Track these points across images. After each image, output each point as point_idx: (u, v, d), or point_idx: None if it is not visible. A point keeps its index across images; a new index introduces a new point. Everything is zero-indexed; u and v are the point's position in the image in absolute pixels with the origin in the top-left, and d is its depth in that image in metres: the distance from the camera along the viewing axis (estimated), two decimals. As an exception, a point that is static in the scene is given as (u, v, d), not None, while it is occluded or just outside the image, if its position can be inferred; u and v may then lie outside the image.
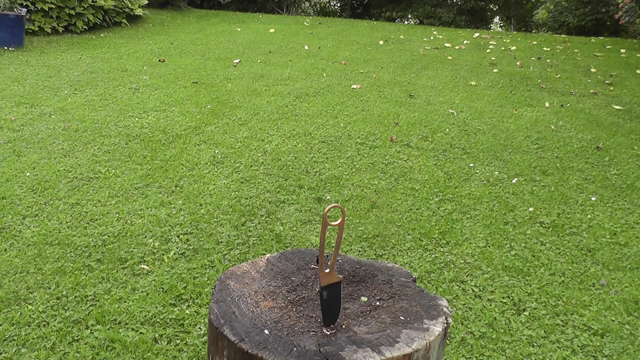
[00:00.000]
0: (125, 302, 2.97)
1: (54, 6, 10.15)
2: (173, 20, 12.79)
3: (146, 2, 12.17)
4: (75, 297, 2.99)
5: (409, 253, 3.63)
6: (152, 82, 7.26)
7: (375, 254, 3.58)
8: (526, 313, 3.12)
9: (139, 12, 11.77)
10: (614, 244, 3.94)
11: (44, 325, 2.77)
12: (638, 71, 9.46)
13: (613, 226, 4.18)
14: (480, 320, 3.02)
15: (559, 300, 3.26)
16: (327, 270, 1.48)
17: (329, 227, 1.30)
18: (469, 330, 2.94)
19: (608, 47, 12.04)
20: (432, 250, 3.69)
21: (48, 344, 2.64)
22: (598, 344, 2.92)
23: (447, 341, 2.81)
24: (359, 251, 3.60)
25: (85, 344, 2.65)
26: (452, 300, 3.17)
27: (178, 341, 2.71)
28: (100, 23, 11.02)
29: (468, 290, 3.29)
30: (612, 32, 15.70)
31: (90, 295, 3.01)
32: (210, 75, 7.80)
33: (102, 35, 10.52)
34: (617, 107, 7.19)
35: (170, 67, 8.19)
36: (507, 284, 3.38)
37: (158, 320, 2.84)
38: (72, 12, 10.31)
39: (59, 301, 2.95)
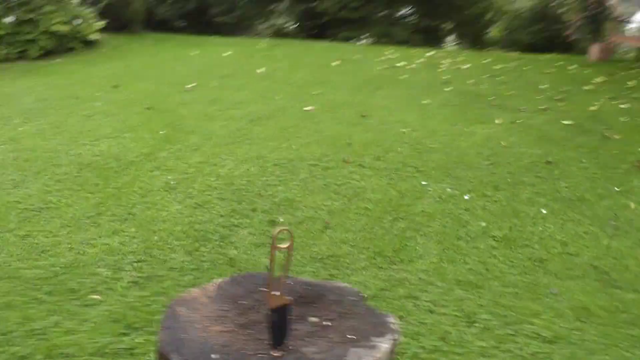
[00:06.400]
0: (74, 334, 2.92)
1: (7, 33, 10.01)
2: (129, 45, 12.73)
3: (103, 25, 12.09)
4: (24, 331, 2.93)
5: (363, 272, 3.66)
6: (106, 109, 7.20)
7: (329, 274, 3.59)
8: (478, 325, 3.16)
9: (94, 36, 11.68)
10: (565, 254, 4.02)
11: (-10, 362, 2.72)
12: (586, 87, 9.67)
13: (564, 237, 4.27)
14: (432, 335, 3.05)
15: (510, 311, 3.31)
16: (277, 293, 1.49)
17: (280, 249, 1.32)
18: (421, 345, 2.96)
19: (558, 63, 12.28)
20: (386, 268, 3.72)
21: (-5, 380, 2.59)
22: (548, 350, 2.98)
23: (398, 357, 2.83)
24: (313, 272, 3.62)
25: (34, 377, 2.61)
26: (405, 316, 3.19)
27: (129, 370, 2.68)
28: (55, 49, 10.89)
29: (421, 305, 3.32)
30: (563, 49, 16.02)
31: (38, 329, 2.95)
32: (164, 100, 7.77)
33: (56, 61, 10.43)
34: (567, 122, 7.33)
35: (124, 92, 8.15)
36: (461, 297, 3.42)
37: (107, 350, 2.80)
38: (26, 37, 10.18)
39: (5, 337, 2.88)
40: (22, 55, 10.40)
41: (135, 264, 3.62)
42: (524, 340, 3.05)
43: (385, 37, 18.28)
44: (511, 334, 3.10)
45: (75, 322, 3.01)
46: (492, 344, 3.01)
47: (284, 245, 1.51)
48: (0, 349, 2.80)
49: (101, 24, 12.06)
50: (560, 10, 15.97)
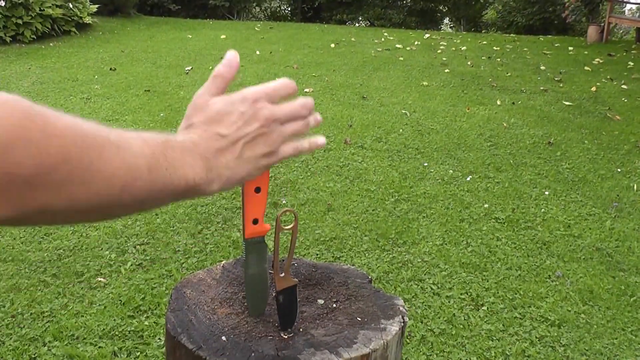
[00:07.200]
0: (82, 316, 2.92)
1: (0, 15, 9.93)
2: (123, 28, 12.64)
3: (95, 9, 11.99)
4: (31, 314, 2.93)
5: (367, 254, 3.65)
6: (104, 91, 7.16)
7: (332, 257, 3.59)
8: (484, 308, 3.16)
9: (88, 20, 11.57)
10: (568, 236, 4.02)
11: (-2, 343, 2.72)
12: (586, 68, 9.66)
13: (567, 219, 4.26)
14: (439, 317, 3.05)
15: (516, 294, 3.31)
16: (283, 275, 1.48)
17: (284, 231, 1.30)
18: (429, 327, 2.96)
19: (556, 45, 12.26)
20: (389, 250, 3.72)
21: (3, 362, 2.59)
22: (555, 334, 2.98)
23: (408, 340, 2.83)
24: (317, 254, 3.61)
25: (42, 360, 2.61)
26: (410, 299, 3.20)
27: (138, 353, 2.68)
28: (49, 32, 10.79)
29: (426, 288, 3.32)
30: (560, 31, 15.99)
31: (46, 312, 2.95)
32: (162, 83, 7.73)
33: (51, 44, 10.35)
34: (567, 103, 7.33)
35: (121, 75, 8.10)
36: (465, 280, 3.42)
37: (117, 333, 2.80)
38: (20, 21, 10.11)
39: (14, 319, 2.89)
40: (15, 39, 10.29)
41: (139, 247, 3.61)
42: (530, 324, 3.05)
43: (380, 20, 18.22)
44: (518, 317, 3.10)
45: (83, 305, 3.01)
46: (499, 327, 3.01)
47: (289, 226, 1.49)
48: (10, 331, 2.79)
49: (94, 7, 11.95)
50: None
